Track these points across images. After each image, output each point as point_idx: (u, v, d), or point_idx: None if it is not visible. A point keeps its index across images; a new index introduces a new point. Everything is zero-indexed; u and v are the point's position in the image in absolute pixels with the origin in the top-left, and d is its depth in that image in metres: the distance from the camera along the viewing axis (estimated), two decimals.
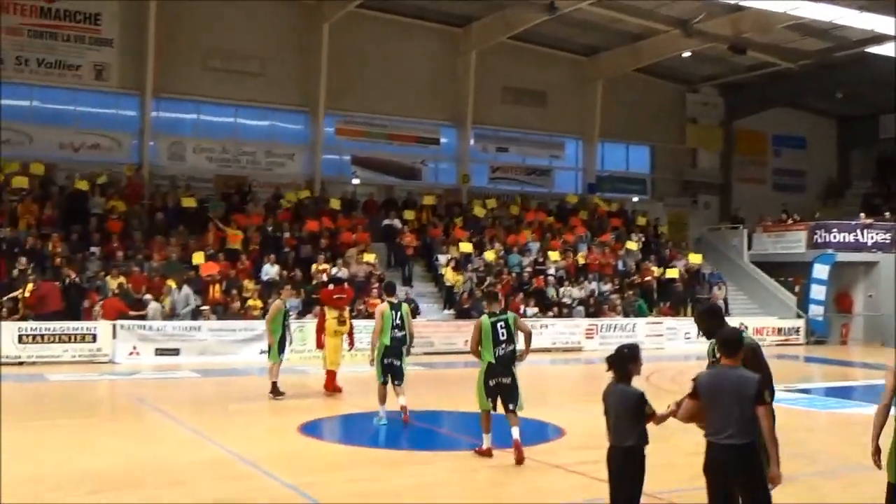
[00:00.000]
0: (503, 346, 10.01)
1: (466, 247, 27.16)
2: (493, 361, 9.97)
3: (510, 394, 10.03)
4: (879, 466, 6.04)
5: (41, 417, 12.98)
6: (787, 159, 39.89)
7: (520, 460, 9.81)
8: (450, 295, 25.93)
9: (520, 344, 10.28)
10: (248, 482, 9.03)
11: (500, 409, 10.10)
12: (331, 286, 16.87)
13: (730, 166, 38.25)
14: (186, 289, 21.98)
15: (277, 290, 18.00)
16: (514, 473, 9.55)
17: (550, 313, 26.06)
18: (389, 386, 12.46)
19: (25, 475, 8.95)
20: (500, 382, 10.00)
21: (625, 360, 6.22)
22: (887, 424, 6.14)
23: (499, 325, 10.06)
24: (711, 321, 6.72)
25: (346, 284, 17.84)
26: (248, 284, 23.16)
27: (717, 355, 6.43)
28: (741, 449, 5.65)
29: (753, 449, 5.69)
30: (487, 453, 10.07)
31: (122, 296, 21.37)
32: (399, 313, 12.52)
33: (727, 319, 6.98)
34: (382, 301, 13.15)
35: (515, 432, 9.93)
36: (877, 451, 6.04)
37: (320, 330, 15.73)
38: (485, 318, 10.17)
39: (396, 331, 12.42)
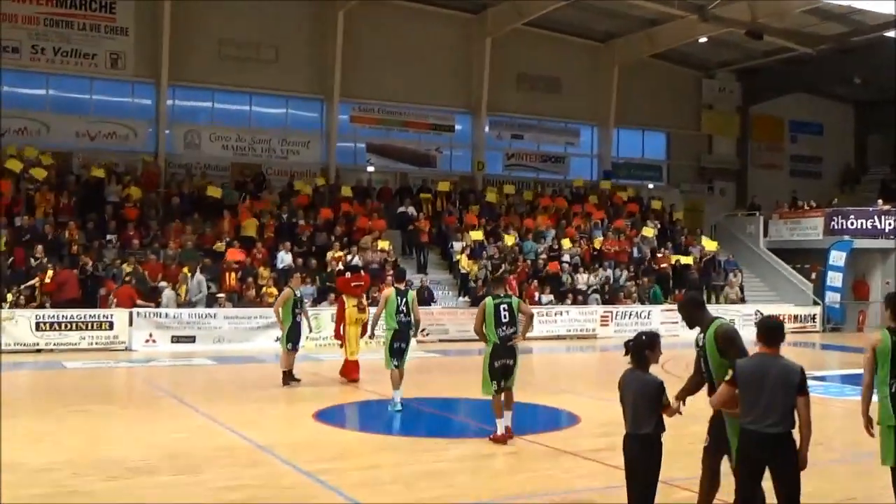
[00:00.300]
0: (504, 328, 10.22)
1: (478, 234, 27.09)
2: (498, 342, 10.15)
3: (509, 374, 10.28)
4: (872, 435, 6.59)
5: (58, 405, 13.04)
6: (803, 145, 39.61)
7: (508, 440, 10.14)
8: (465, 282, 25.91)
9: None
10: (264, 469, 9.07)
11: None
12: (347, 274, 16.83)
13: (746, 152, 38.02)
14: (199, 276, 22.06)
15: (289, 277, 17.97)
16: (529, 460, 9.57)
17: (568, 300, 26.00)
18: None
19: (43, 462, 9.02)
20: (506, 364, 10.21)
21: (641, 347, 6.23)
22: (879, 412, 6.52)
23: (502, 307, 10.27)
24: (693, 310, 6.72)
25: (362, 272, 17.81)
26: (264, 272, 23.21)
27: (701, 344, 6.47)
28: (785, 438, 5.73)
29: (793, 437, 5.76)
30: (502, 439, 10.12)
31: (136, 283, 21.44)
32: (405, 300, 12.68)
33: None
34: (391, 286, 13.25)
35: (508, 418, 10.26)
36: (868, 423, 6.64)
37: (340, 320, 15.53)
38: (488, 300, 10.40)
39: (402, 316, 12.54)
